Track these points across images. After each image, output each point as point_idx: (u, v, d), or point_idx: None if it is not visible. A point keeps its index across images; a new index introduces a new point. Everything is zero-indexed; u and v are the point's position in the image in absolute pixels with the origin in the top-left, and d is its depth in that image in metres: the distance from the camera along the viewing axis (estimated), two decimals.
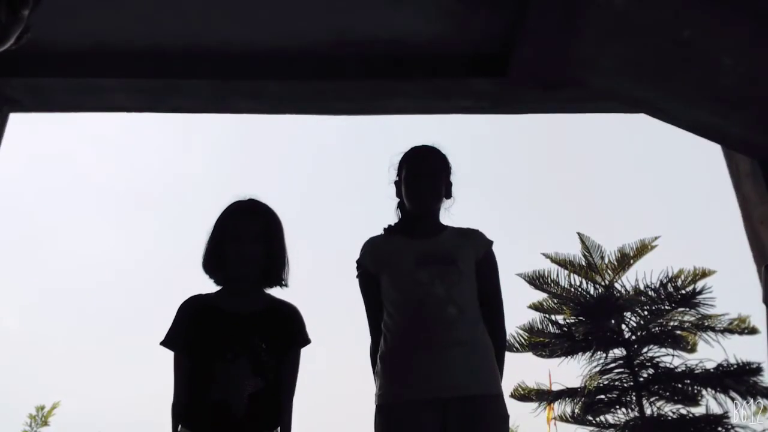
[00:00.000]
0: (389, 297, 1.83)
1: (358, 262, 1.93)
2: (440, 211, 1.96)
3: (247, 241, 1.70)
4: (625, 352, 10.00)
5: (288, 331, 1.71)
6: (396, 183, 2.00)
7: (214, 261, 1.74)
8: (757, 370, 9.17)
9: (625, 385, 9.79)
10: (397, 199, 2.02)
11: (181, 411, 1.62)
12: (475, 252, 1.90)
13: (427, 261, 1.82)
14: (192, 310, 1.71)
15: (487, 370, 1.75)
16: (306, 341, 1.75)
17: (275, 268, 1.75)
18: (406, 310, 1.78)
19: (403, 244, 1.89)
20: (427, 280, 1.79)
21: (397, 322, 1.79)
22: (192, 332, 1.66)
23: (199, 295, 1.75)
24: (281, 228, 1.79)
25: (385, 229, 1.99)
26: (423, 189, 1.90)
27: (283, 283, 1.77)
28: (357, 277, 1.93)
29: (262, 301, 1.75)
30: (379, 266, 1.87)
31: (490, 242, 1.94)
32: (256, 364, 1.61)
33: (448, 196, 1.96)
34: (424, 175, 1.91)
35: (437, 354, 1.70)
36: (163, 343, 1.67)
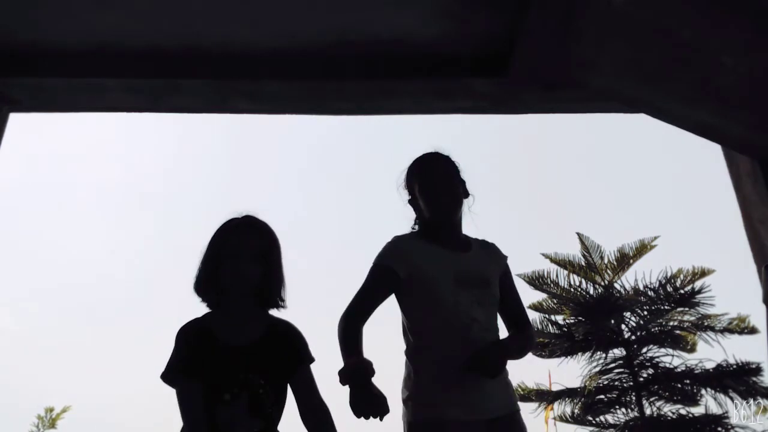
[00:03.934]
0: (422, 311, 1.79)
1: (383, 260, 1.83)
2: (462, 216, 1.93)
3: (245, 258, 1.63)
4: (624, 352, 10.00)
5: (290, 354, 1.65)
6: (410, 202, 1.96)
7: (208, 280, 1.65)
8: (757, 370, 9.17)
9: (625, 385, 9.80)
10: (414, 218, 1.97)
11: None
12: (498, 269, 1.92)
13: (465, 282, 1.79)
14: (190, 338, 1.62)
15: (511, 389, 1.82)
16: (308, 360, 1.68)
17: (273, 288, 1.68)
18: (449, 332, 1.74)
19: (437, 255, 1.82)
20: (467, 302, 1.76)
21: (436, 342, 1.75)
22: (193, 362, 1.58)
23: (195, 321, 1.67)
24: (279, 246, 1.72)
25: (413, 231, 1.95)
26: (442, 196, 1.87)
27: (281, 304, 1.70)
28: (372, 269, 1.84)
29: (259, 325, 1.67)
30: (408, 269, 1.80)
31: (506, 257, 1.98)
32: (255, 405, 1.55)
33: (466, 195, 1.94)
34: (438, 182, 1.88)
35: (480, 379, 1.68)
36: (165, 377, 1.59)
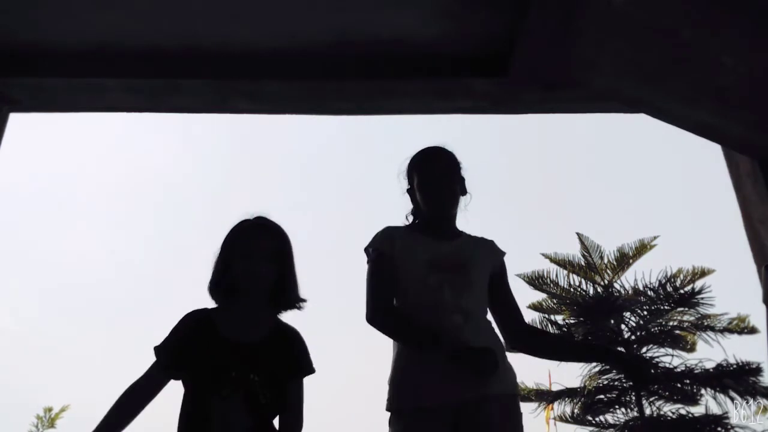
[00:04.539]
0: (398, 295, 1.81)
1: (374, 246, 1.85)
2: (457, 212, 1.94)
3: (258, 259, 1.64)
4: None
5: (289, 360, 1.64)
6: (409, 191, 1.98)
7: (222, 282, 1.66)
8: (757, 370, 9.16)
9: (625, 385, 9.79)
10: (410, 207, 1.99)
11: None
12: (491, 263, 1.91)
13: (438, 265, 1.79)
14: (188, 328, 1.64)
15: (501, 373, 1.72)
16: (309, 370, 1.67)
17: (286, 289, 1.68)
18: (418, 316, 1.74)
19: (419, 241, 1.85)
20: (437, 285, 1.76)
21: None
22: (187, 353, 1.59)
23: (201, 310, 1.68)
24: (291, 248, 1.73)
25: (406, 225, 1.96)
26: (440, 192, 1.88)
27: (299, 305, 1.71)
28: (370, 261, 1.84)
29: (266, 326, 1.67)
30: (395, 254, 1.82)
31: (504, 253, 1.97)
32: (252, 403, 1.54)
33: (464, 193, 1.95)
34: (438, 178, 1.89)
35: (444, 361, 1.64)
36: (157, 349, 1.61)
